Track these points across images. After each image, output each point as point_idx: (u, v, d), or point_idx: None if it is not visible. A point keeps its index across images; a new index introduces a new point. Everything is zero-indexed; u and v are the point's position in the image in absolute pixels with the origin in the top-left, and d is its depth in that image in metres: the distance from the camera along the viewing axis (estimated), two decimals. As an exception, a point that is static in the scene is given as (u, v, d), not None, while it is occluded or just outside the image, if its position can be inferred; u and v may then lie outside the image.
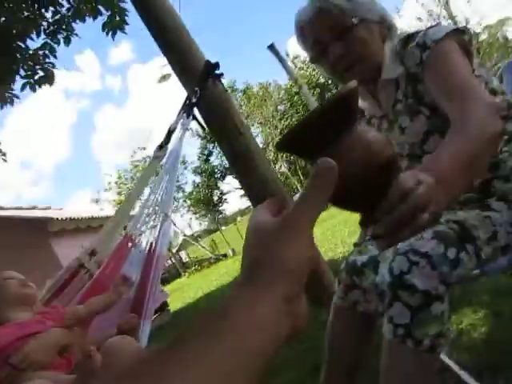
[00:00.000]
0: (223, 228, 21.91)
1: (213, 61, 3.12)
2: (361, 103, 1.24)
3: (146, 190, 2.87)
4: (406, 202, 0.58)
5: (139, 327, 1.72)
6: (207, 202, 19.66)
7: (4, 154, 4.61)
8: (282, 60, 3.88)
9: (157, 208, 2.53)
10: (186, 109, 3.05)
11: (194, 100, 3.04)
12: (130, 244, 2.38)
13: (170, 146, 2.93)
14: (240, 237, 16.87)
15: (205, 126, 3.23)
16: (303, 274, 0.38)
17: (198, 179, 19.68)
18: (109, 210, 13.25)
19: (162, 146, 2.98)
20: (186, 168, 19.82)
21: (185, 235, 19.01)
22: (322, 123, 0.47)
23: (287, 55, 20.19)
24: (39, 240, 6.69)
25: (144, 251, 2.34)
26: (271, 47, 3.96)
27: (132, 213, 2.79)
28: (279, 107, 20.91)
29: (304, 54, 1.39)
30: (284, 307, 0.36)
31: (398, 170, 0.57)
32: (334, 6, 1.05)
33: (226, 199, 21.01)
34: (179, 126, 3.01)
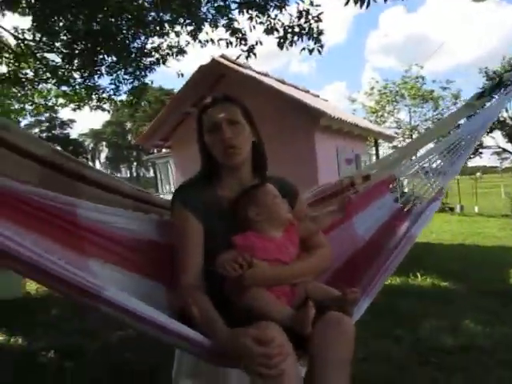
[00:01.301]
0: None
1: None
2: None
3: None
4: None
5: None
6: (460, 147, 17.78)
7: (321, 46, 4.72)
8: None
9: (438, 175, 2.23)
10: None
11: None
12: (389, 186, 2.20)
13: (491, 102, 2.52)
14: (472, 194, 15.12)
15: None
16: None
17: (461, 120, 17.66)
18: (363, 119, 13.18)
19: (482, 96, 2.58)
20: (455, 104, 17.96)
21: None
22: None
23: None
24: (308, 131, 7.01)
25: (398, 205, 2.14)
26: None
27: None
28: None
29: None
30: None
31: None
32: None
33: (481, 153, 18.74)
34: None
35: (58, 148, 1.78)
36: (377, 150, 11.36)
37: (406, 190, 2.27)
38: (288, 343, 1.25)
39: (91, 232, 1.52)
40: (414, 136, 18.91)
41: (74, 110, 7.24)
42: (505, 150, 18.65)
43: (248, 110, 1.60)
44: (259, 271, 1.41)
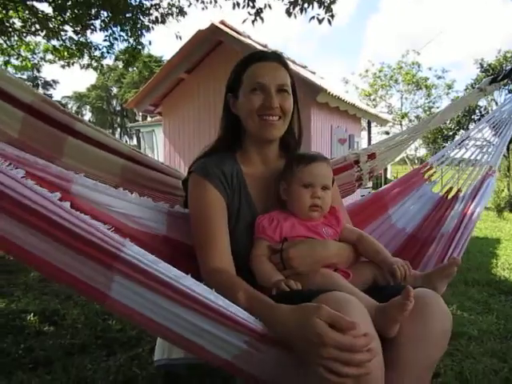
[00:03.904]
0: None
1: None
2: None
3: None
4: None
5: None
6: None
7: (332, 16, 4.46)
8: None
9: (479, 155, 2.13)
10: None
11: None
12: (424, 176, 2.12)
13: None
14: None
15: None
16: None
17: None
18: (356, 99, 13.02)
19: (495, 81, 2.51)
20: (447, 94, 17.85)
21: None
22: None
23: None
24: (304, 106, 6.77)
25: (438, 194, 2.08)
26: None
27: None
28: None
29: None
30: None
31: None
32: None
33: (467, 144, 18.89)
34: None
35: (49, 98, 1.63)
36: (369, 132, 11.32)
37: (444, 179, 2.21)
38: (376, 334, 0.94)
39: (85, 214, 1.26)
40: (403, 122, 18.94)
41: (63, 67, 6.91)
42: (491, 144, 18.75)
43: (294, 80, 1.40)
44: (294, 254, 1.23)
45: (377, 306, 1.03)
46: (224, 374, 2.08)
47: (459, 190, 2.07)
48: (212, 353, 0.98)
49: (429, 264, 1.76)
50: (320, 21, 4.62)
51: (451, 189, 2.11)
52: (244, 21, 4.63)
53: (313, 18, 4.71)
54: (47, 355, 2.21)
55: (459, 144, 2.27)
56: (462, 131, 18.82)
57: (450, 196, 2.08)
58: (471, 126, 19.16)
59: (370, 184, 10.16)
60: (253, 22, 4.72)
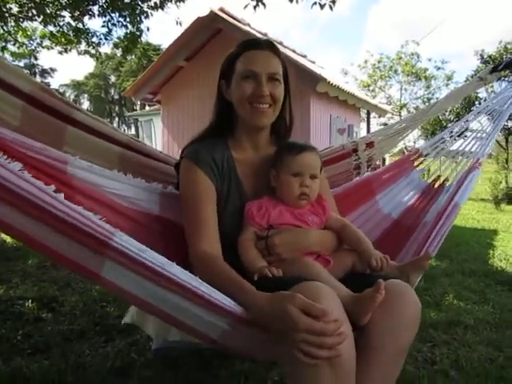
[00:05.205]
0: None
1: None
2: None
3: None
4: None
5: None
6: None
7: (333, 2, 4.39)
8: None
9: (468, 146, 2.12)
10: None
11: None
12: (414, 163, 2.14)
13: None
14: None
15: None
16: None
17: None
18: (355, 89, 12.95)
19: (495, 70, 2.49)
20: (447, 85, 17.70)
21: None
22: None
23: None
24: (304, 95, 6.74)
25: (425, 182, 2.09)
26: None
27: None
28: None
29: None
30: None
31: None
32: None
33: (466, 136, 18.86)
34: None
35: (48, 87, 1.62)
36: (368, 123, 11.29)
37: (432, 167, 2.21)
38: (346, 320, 1.00)
39: (82, 194, 1.30)
40: (402, 113, 18.89)
41: (61, 53, 6.83)
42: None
43: (287, 69, 1.42)
44: (279, 241, 1.30)
45: (351, 296, 1.09)
46: (224, 362, 2.10)
47: (446, 180, 2.07)
48: (200, 331, 1.11)
49: (409, 252, 1.77)
50: (322, 6, 4.57)
51: (438, 177, 2.11)
52: (246, 6, 4.55)
53: (315, 3, 4.66)
54: (46, 341, 2.22)
55: (451, 133, 2.26)
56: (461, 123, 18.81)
57: (436, 185, 2.08)
58: (470, 118, 19.10)
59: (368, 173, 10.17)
60: (254, 7, 4.65)
